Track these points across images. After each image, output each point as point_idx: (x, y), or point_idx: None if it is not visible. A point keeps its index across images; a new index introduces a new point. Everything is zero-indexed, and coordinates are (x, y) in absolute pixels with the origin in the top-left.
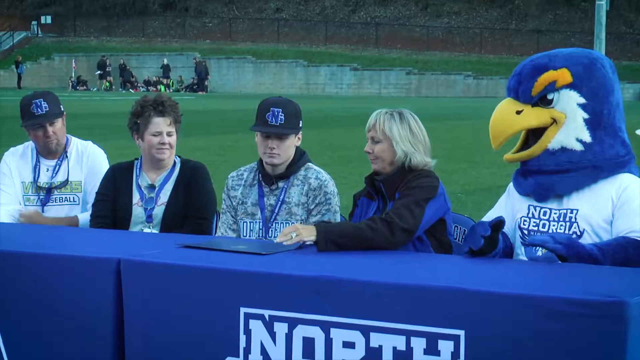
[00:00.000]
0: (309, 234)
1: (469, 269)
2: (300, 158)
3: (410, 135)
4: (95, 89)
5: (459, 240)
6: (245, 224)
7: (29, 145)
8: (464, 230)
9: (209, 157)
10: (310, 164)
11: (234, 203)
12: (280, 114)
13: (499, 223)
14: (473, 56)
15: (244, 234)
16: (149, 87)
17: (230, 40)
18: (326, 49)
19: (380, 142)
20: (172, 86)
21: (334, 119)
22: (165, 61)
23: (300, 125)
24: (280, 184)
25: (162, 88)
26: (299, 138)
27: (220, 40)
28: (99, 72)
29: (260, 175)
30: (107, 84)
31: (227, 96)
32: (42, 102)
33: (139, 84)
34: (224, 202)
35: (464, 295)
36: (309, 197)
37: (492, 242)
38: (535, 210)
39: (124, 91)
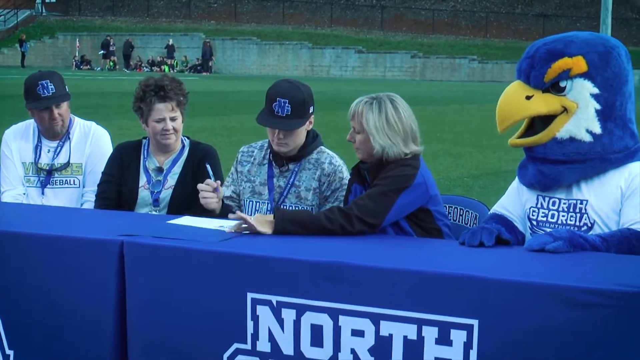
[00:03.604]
0: (263, 227)
1: (483, 257)
2: (313, 141)
3: (387, 128)
4: (98, 68)
5: (470, 224)
6: (251, 203)
7: (31, 123)
8: (476, 215)
9: (212, 138)
10: (323, 147)
11: (239, 178)
12: (286, 104)
13: (502, 241)
14: (478, 40)
15: (250, 214)
16: (153, 68)
17: (235, 21)
18: (331, 31)
19: (360, 133)
20: (177, 66)
21: (339, 101)
22: (171, 41)
23: (311, 111)
24: (291, 166)
25: (167, 68)
26: (310, 122)
27: (225, 21)
28: (102, 51)
29: (270, 155)
30: (111, 63)
31: (231, 77)
32: (49, 84)
33: (142, 64)
34: (230, 174)
35: (478, 283)
36: (322, 183)
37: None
38: (544, 200)
39: (127, 71)
